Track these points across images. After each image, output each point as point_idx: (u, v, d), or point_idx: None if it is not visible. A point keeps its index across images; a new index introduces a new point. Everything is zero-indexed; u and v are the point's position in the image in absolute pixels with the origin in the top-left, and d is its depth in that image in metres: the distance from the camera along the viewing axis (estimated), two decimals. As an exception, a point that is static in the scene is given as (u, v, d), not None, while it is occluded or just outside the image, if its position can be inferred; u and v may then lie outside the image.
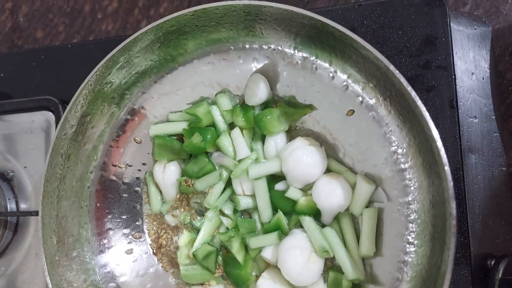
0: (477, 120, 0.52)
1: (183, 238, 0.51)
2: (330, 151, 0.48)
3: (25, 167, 0.66)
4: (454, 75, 0.48)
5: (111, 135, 0.52)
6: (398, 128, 0.44)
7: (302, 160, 0.46)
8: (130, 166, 0.53)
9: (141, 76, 0.50)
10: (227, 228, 0.50)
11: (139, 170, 0.53)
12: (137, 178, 0.54)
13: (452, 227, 0.35)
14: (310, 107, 0.48)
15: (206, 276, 0.49)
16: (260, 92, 0.48)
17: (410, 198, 0.43)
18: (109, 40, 0.69)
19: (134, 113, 0.52)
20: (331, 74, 0.46)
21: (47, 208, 0.47)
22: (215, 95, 0.50)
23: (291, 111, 0.48)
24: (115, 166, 0.53)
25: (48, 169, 0.46)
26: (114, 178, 0.53)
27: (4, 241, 0.65)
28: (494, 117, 0.56)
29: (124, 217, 0.53)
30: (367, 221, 0.44)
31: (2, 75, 0.69)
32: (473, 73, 0.52)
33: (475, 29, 0.55)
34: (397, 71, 0.39)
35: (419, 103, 0.38)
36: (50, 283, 0.45)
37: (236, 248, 0.47)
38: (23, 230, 0.65)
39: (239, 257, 0.47)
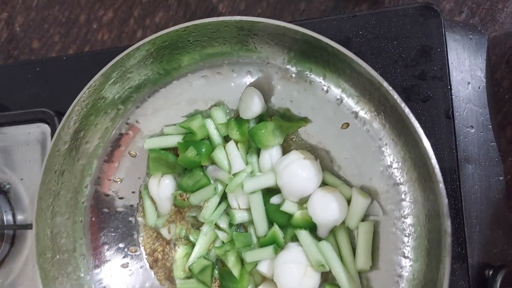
0: (473, 130, 0.51)
1: (179, 252, 0.51)
2: (325, 164, 0.48)
3: (21, 179, 0.66)
4: (450, 85, 0.48)
5: (106, 150, 0.52)
6: (393, 142, 0.43)
7: (297, 174, 0.45)
8: (125, 180, 0.53)
9: (135, 90, 0.49)
10: (223, 242, 0.49)
11: (134, 184, 0.53)
12: (132, 192, 0.54)
13: (448, 245, 0.35)
14: (305, 120, 0.48)
15: None
16: (254, 106, 0.48)
17: (405, 212, 0.43)
18: (103, 52, 0.69)
19: (129, 127, 0.52)
20: (325, 88, 0.46)
21: (41, 224, 0.47)
22: (210, 108, 0.50)
23: (286, 125, 0.48)
24: (110, 180, 0.53)
25: (42, 185, 0.46)
26: (109, 192, 0.53)
27: (1, 253, 0.65)
28: (490, 126, 0.56)
29: (119, 231, 0.53)
30: (363, 235, 0.44)
31: (-2, 87, 0.69)
32: (469, 83, 0.52)
33: (471, 38, 0.55)
34: (390, 88, 0.39)
35: (413, 119, 0.37)
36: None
37: (232, 262, 0.47)
38: (20, 242, 0.65)
39: (235, 271, 0.47)
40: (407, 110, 0.37)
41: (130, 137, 0.51)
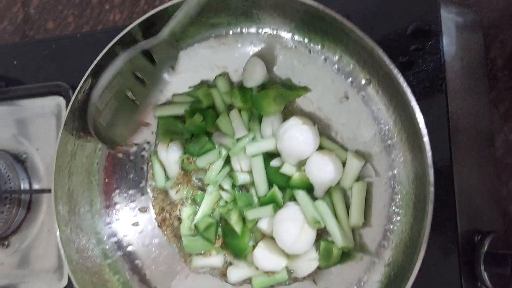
0: (466, 104, 0.54)
1: (186, 211, 0.54)
2: (323, 129, 0.51)
3: (37, 149, 0.70)
4: (444, 60, 0.50)
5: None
6: (385, 106, 0.46)
7: (296, 137, 0.49)
8: (136, 144, 0.56)
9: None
10: (226, 202, 0.53)
11: (144, 148, 0.57)
12: (142, 156, 0.57)
13: (430, 194, 0.38)
14: (305, 89, 0.51)
15: (207, 246, 0.53)
16: (257, 75, 0.51)
17: (396, 172, 0.46)
18: (116, 29, 0.72)
19: None
20: (323, 57, 0.49)
21: (59, 182, 0.51)
22: (215, 78, 0.53)
23: (287, 93, 0.51)
24: (121, 146, 0.56)
25: (60, 146, 0.50)
26: (120, 155, 0.56)
27: (18, 218, 0.69)
28: (483, 102, 0.59)
29: (130, 192, 0.57)
30: (357, 194, 0.47)
31: (15, 62, 0.73)
32: (462, 59, 0.54)
33: (466, 16, 0.57)
34: (383, 52, 0.42)
35: (401, 80, 0.41)
36: (62, 250, 0.49)
37: (234, 220, 0.51)
38: (36, 208, 0.69)
39: (237, 228, 0.51)
40: (395, 71, 0.41)
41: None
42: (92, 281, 0.50)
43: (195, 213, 0.53)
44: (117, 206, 0.56)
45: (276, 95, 0.51)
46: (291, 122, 0.50)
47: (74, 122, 0.51)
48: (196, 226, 0.53)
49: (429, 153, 0.39)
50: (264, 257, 0.50)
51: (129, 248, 0.55)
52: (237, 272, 0.52)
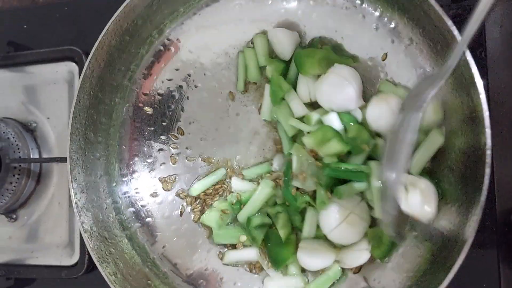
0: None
1: (221, 202, 0.51)
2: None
3: (48, 118, 0.67)
4: (484, 25, 0.49)
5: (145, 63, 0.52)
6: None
7: (334, 80, 0.45)
8: (160, 95, 0.53)
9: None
10: (276, 203, 0.49)
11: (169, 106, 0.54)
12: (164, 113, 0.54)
13: (486, 175, 0.36)
14: (354, 59, 0.47)
15: (235, 239, 0.50)
16: (285, 48, 0.48)
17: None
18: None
19: (170, 43, 0.51)
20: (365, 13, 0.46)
21: (74, 146, 0.47)
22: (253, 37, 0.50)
23: (335, 58, 0.46)
24: (141, 109, 0.53)
25: (76, 107, 0.46)
26: (139, 123, 0.53)
27: (27, 190, 0.65)
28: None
29: (150, 160, 0.53)
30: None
31: (25, 27, 0.69)
32: (502, 26, 0.51)
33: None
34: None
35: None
36: (78, 217, 0.45)
37: (281, 224, 0.47)
38: (45, 180, 0.66)
39: (282, 233, 0.46)
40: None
41: (171, 53, 0.51)
42: (109, 251, 0.47)
43: (231, 205, 0.50)
44: (136, 175, 0.52)
45: (322, 57, 0.46)
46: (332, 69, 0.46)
47: (92, 82, 0.48)
48: (249, 219, 0.48)
49: (488, 130, 0.36)
50: (310, 255, 0.45)
51: (148, 220, 0.52)
52: (273, 285, 0.48)
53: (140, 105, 0.53)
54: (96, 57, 0.46)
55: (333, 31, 0.48)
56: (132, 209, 0.52)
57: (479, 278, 0.47)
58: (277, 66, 0.49)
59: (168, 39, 0.51)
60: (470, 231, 0.37)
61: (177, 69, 0.52)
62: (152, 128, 0.53)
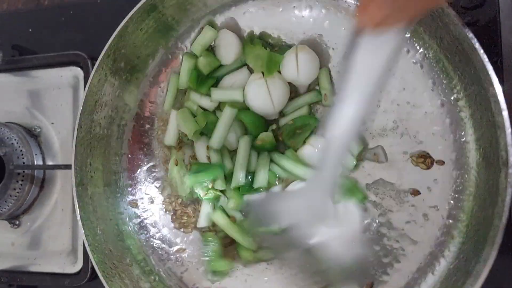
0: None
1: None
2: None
3: (52, 123, 0.66)
4: (500, 33, 0.46)
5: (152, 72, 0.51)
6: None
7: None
8: None
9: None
10: None
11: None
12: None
13: (510, 176, 0.33)
14: None
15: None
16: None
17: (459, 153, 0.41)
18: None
19: (179, 51, 0.51)
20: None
21: (80, 155, 0.46)
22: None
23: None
24: (147, 117, 0.52)
25: (82, 114, 0.45)
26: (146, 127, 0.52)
27: (30, 196, 0.64)
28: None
29: (156, 170, 0.52)
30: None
31: (30, 30, 0.68)
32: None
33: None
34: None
35: (477, 45, 0.36)
36: (83, 230, 0.44)
37: None
38: (49, 186, 0.65)
39: None
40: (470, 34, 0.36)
41: (179, 61, 0.50)
42: (113, 264, 0.46)
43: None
44: (140, 185, 0.51)
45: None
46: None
47: (100, 87, 0.46)
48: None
49: (508, 130, 0.34)
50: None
51: (153, 231, 0.51)
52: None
53: (147, 114, 0.52)
54: (103, 66, 0.45)
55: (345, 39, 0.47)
56: (137, 220, 0.51)
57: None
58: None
59: (177, 47, 0.50)
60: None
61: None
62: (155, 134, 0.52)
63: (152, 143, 0.52)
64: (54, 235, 0.64)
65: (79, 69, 0.64)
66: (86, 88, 0.44)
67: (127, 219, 0.50)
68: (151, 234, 0.51)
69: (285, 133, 0.47)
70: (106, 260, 0.45)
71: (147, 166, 0.52)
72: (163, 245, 0.50)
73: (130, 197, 0.51)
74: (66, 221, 0.64)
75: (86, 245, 0.43)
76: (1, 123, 0.65)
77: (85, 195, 0.47)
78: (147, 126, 0.52)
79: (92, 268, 0.59)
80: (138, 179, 0.52)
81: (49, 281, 0.62)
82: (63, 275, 0.62)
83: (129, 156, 0.51)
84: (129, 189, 0.51)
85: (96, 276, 0.60)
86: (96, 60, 0.63)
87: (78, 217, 0.44)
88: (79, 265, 0.61)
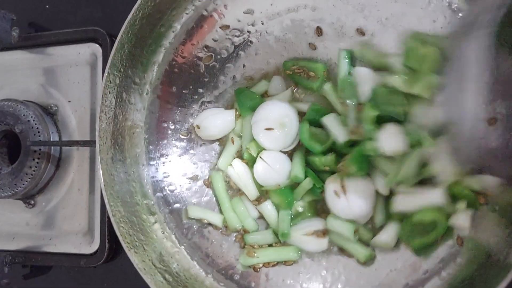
0: None
1: None
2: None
3: (69, 101, 0.64)
4: None
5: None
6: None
7: None
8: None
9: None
10: None
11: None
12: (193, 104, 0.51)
13: None
14: None
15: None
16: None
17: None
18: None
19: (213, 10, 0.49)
20: None
21: (103, 126, 0.45)
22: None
23: None
24: (172, 91, 0.50)
25: (106, 83, 0.44)
26: (169, 103, 0.50)
27: (46, 175, 0.63)
28: None
29: (180, 144, 0.51)
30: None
31: (47, 6, 0.67)
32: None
33: None
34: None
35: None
36: (106, 199, 0.43)
37: None
38: (65, 166, 0.63)
39: None
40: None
41: (204, 30, 0.48)
42: (138, 238, 0.44)
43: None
44: (164, 158, 0.50)
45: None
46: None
47: (122, 58, 0.45)
48: None
49: None
50: None
51: (176, 205, 0.50)
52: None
53: (171, 84, 0.50)
54: (128, 32, 0.44)
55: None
56: (160, 194, 0.49)
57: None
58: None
59: (202, 15, 0.49)
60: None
61: (215, 40, 0.50)
62: (181, 109, 0.51)
63: (177, 113, 0.51)
64: (70, 215, 0.63)
65: (97, 45, 0.63)
66: (111, 54, 0.42)
67: (150, 191, 0.48)
68: (174, 208, 0.49)
69: None
70: (130, 232, 0.44)
71: (172, 138, 0.51)
72: (184, 220, 0.49)
73: (153, 170, 0.50)
74: (82, 201, 0.62)
75: (110, 215, 0.42)
76: (18, 100, 0.63)
77: (108, 165, 0.45)
78: (171, 98, 0.51)
79: (109, 248, 0.58)
80: (163, 153, 0.50)
81: (65, 261, 0.60)
82: (79, 256, 0.60)
83: (153, 128, 0.50)
84: (152, 162, 0.50)
85: (113, 257, 0.59)
86: (115, 38, 0.62)
87: (102, 186, 0.43)
88: (95, 246, 0.59)
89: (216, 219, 0.49)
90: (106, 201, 0.42)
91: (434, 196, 0.41)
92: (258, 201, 0.48)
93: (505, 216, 0.38)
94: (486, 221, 0.40)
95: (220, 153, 0.51)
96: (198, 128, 0.50)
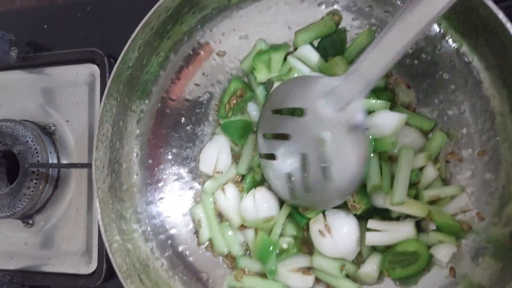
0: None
1: None
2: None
3: (67, 121, 0.65)
4: None
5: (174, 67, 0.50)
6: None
7: None
8: (187, 100, 0.51)
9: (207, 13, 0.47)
10: None
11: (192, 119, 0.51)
12: (190, 129, 0.52)
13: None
14: None
15: None
16: None
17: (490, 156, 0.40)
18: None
19: (200, 47, 0.49)
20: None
21: (99, 154, 0.45)
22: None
23: None
24: (167, 115, 0.50)
25: (103, 112, 0.44)
26: (164, 131, 0.51)
27: (44, 195, 0.63)
28: None
29: (174, 169, 0.51)
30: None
31: (45, 27, 0.67)
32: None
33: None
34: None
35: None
36: (103, 229, 0.43)
37: None
38: (64, 185, 0.64)
39: None
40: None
41: (201, 57, 0.49)
42: (134, 265, 0.44)
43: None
44: (160, 184, 0.50)
45: None
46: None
47: (119, 87, 0.45)
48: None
49: None
50: None
51: (172, 231, 0.50)
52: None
53: (167, 111, 0.50)
54: (125, 62, 0.44)
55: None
56: (156, 221, 0.49)
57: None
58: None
59: (199, 43, 0.49)
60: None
61: (205, 74, 0.51)
62: (177, 135, 0.51)
63: (172, 142, 0.51)
64: (68, 235, 0.63)
65: (95, 66, 0.63)
66: (108, 83, 0.43)
67: (147, 219, 0.49)
68: (169, 234, 0.50)
69: None
70: (126, 260, 0.44)
71: (167, 165, 0.51)
72: (180, 247, 0.49)
73: (149, 197, 0.50)
74: (80, 221, 0.63)
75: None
76: (16, 120, 0.64)
77: (104, 192, 0.45)
78: (167, 124, 0.51)
79: (107, 269, 0.58)
80: (159, 179, 0.51)
81: (63, 281, 0.61)
82: (77, 276, 0.60)
83: (149, 154, 0.50)
84: (149, 188, 0.50)
85: (111, 277, 0.59)
86: (113, 58, 0.63)
87: (99, 216, 0.43)
88: (93, 266, 0.60)
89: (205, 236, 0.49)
90: (102, 229, 0.42)
91: (405, 230, 0.42)
92: (242, 227, 0.49)
93: (498, 250, 0.38)
94: (479, 255, 0.40)
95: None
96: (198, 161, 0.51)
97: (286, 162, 0.44)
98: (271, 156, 0.45)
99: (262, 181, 0.49)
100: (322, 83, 0.41)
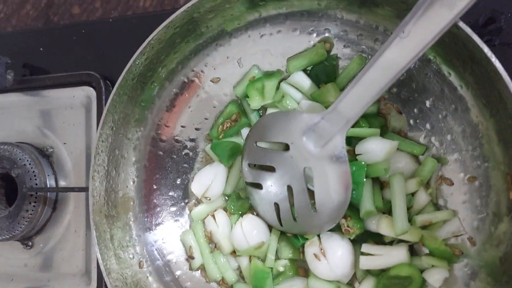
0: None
1: None
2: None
3: (64, 143, 0.65)
4: None
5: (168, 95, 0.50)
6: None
7: None
8: (178, 142, 0.51)
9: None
10: None
11: (186, 146, 0.52)
12: (186, 155, 0.52)
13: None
14: None
15: None
16: None
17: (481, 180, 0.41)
18: (150, 15, 0.67)
19: (194, 74, 0.50)
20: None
21: (96, 182, 0.46)
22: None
23: None
24: (163, 142, 0.51)
25: (98, 142, 0.44)
26: (161, 153, 0.51)
27: (43, 217, 0.64)
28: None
29: (171, 193, 0.52)
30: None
31: (41, 49, 0.68)
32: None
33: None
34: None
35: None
36: (100, 258, 0.43)
37: None
38: (62, 207, 0.64)
39: None
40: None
41: (195, 85, 0.49)
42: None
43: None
44: (157, 209, 0.51)
45: None
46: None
47: (114, 117, 0.46)
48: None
49: None
50: None
51: (169, 257, 0.51)
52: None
53: (163, 137, 0.51)
54: (119, 93, 0.44)
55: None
56: (153, 247, 0.50)
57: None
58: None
59: (193, 70, 0.50)
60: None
61: (200, 100, 0.51)
62: (173, 160, 0.52)
63: (168, 169, 0.52)
64: (67, 257, 0.64)
65: (91, 89, 0.64)
66: (103, 113, 0.43)
67: (144, 245, 0.49)
68: (166, 260, 0.50)
69: None
70: (124, 287, 0.45)
71: (164, 191, 0.52)
72: (178, 272, 0.50)
73: (147, 223, 0.50)
74: (79, 242, 0.63)
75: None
76: (13, 143, 0.64)
77: (101, 220, 0.46)
78: (163, 151, 0.52)
79: (106, 290, 0.59)
80: (155, 204, 0.51)
81: (63, 303, 0.61)
82: (77, 298, 0.61)
83: (145, 183, 0.51)
84: (146, 214, 0.50)
85: (110, 298, 0.60)
86: (108, 80, 0.63)
87: (97, 247, 0.44)
88: (93, 287, 0.60)
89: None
90: (99, 258, 0.43)
91: (398, 254, 0.43)
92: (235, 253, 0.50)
93: (490, 275, 0.39)
94: (471, 280, 0.41)
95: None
96: (191, 180, 0.51)
97: (272, 193, 0.45)
98: (257, 186, 0.47)
99: (247, 200, 0.50)
100: (303, 119, 0.43)
